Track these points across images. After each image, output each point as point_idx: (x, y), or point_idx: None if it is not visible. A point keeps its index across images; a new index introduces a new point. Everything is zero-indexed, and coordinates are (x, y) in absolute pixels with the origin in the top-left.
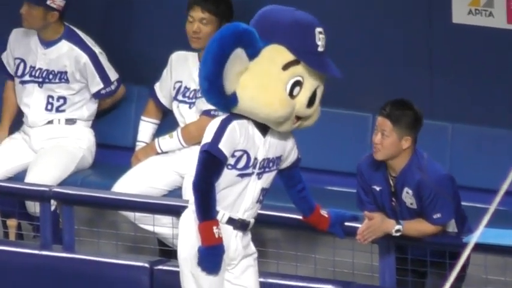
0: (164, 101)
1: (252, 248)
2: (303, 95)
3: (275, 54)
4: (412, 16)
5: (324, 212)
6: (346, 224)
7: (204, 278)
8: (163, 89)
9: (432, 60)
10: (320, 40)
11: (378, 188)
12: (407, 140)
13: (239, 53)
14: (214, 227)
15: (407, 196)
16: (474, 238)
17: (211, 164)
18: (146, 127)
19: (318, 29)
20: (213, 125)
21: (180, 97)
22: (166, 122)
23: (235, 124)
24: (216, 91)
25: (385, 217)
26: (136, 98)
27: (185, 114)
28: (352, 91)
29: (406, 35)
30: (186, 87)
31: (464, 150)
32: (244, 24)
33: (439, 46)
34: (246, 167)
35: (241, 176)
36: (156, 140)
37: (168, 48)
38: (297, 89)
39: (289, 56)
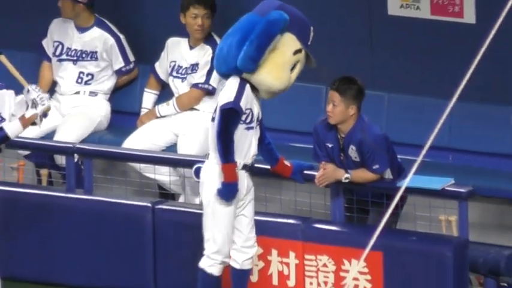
0: (162, 76)
1: (251, 182)
2: (293, 76)
3: (290, 41)
4: (355, 10)
5: (287, 163)
6: (305, 172)
7: (221, 212)
8: (161, 67)
9: (373, 43)
10: (311, 37)
11: (330, 145)
12: (352, 108)
13: (278, 36)
14: (236, 169)
15: (352, 151)
16: (405, 183)
17: (234, 118)
18: (149, 97)
19: (311, 28)
20: (232, 86)
21: (174, 73)
22: (164, 93)
23: (248, 86)
24: (257, 60)
25: (337, 167)
26: (141, 74)
27: (179, 87)
28: (311, 68)
29: (352, 25)
30: (179, 66)
31: (398, 114)
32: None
33: (378, 33)
34: (251, 121)
35: (248, 129)
36: (156, 107)
37: (164, 34)
38: (292, 70)
39: (298, 45)
